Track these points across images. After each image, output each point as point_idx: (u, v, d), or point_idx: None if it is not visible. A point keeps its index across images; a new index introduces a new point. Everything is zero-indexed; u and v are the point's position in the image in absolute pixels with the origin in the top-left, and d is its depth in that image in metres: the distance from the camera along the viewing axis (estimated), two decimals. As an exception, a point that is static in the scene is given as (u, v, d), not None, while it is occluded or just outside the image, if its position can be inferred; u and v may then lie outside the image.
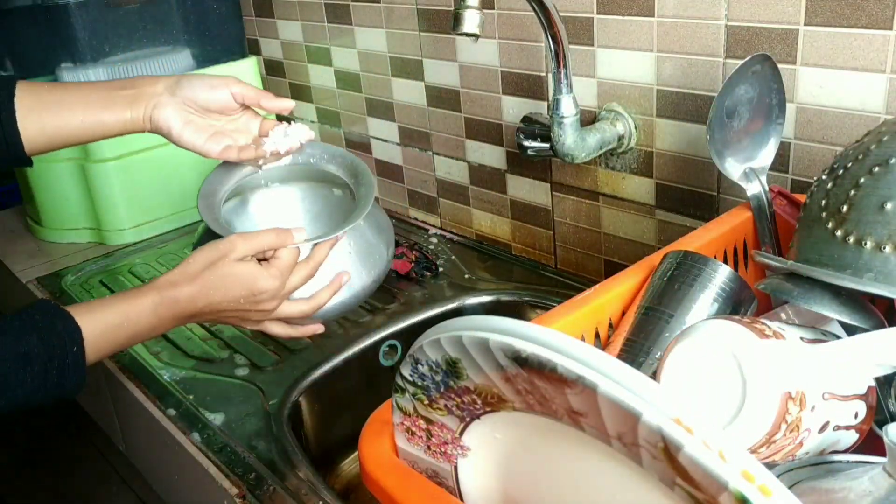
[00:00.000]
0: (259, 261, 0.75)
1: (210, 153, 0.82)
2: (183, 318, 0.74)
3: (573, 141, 0.91)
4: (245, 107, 0.84)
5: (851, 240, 0.55)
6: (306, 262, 0.78)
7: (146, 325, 0.71)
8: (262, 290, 0.74)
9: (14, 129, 0.78)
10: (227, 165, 0.86)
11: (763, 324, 0.51)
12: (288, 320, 0.80)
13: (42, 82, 0.85)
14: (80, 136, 0.81)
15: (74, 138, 0.81)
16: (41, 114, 0.79)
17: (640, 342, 0.62)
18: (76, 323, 0.68)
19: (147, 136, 1.36)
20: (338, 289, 0.80)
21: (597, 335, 0.65)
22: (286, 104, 0.84)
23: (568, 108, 0.90)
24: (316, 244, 0.78)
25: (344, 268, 0.81)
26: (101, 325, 0.69)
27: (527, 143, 1.01)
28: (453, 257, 1.22)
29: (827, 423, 0.51)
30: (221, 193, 0.86)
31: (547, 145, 0.95)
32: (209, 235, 0.81)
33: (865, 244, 0.54)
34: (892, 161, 0.55)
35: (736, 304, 0.63)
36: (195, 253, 0.75)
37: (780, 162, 0.83)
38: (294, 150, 0.85)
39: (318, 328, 0.83)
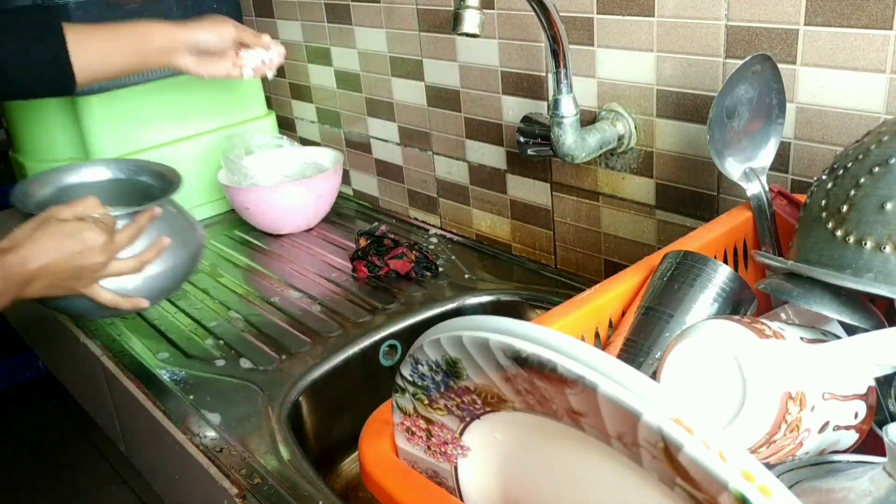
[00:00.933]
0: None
1: (201, 73, 1.03)
2: (18, 283, 0.79)
3: (573, 141, 0.92)
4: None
5: (851, 240, 0.55)
6: (131, 223, 0.90)
7: None
8: (90, 241, 0.83)
9: (65, 53, 0.93)
10: (52, 174, 1.08)
11: (763, 324, 0.51)
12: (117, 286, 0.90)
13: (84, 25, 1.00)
14: (121, 71, 0.99)
15: (116, 72, 0.99)
16: (87, 44, 0.95)
17: (640, 342, 0.62)
18: None
19: (146, 136, 1.36)
20: (161, 250, 0.93)
21: (597, 335, 0.65)
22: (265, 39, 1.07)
23: (568, 108, 0.90)
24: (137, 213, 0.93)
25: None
26: None
27: (527, 143, 1.01)
28: (453, 257, 1.22)
29: (827, 423, 0.51)
30: (39, 194, 1.04)
31: (547, 145, 0.95)
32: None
33: (865, 244, 0.54)
34: (892, 161, 0.55)
35: (736, 304, 0.63)
36: (22, 225, 0.83)
37: (780, 162, 0.83)
38: (275, 66, 1.09)
39: (144, 302, 0.94)
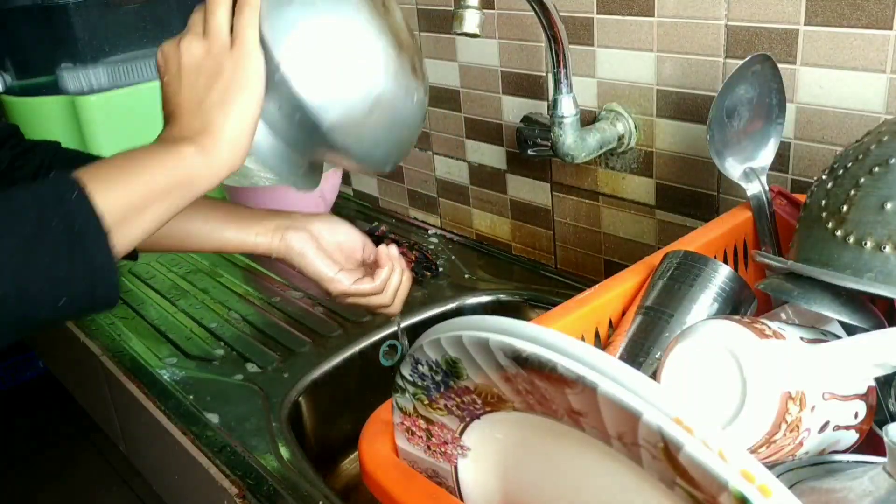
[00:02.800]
0: None
1: (342, 282, 0.77)
2: (189, 132, 0.58)
3: (573, 141, 0.91)
4: (361, 265, 0.82)
5: (851, 240, 0.55)
6: None
7: (153, 149, 0.57)
8: (188, 58, 0.60)
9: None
10: None
11: (763, 324, 0.51)
12: None
13: None
14: (197, 244, 0.77)
15: (189, 246, 0.78)
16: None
17: (640, 342, 0.62)
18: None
19: (146, 136, 1.36)
20: None
21: (597, 335, 0.65)
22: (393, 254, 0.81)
23: (568, 108, 0.90)
24: None
25: None
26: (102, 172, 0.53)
27: (527, 143, 1.01)
28: (453, 257, 1.22)
29: (827, 423, 0.51)
30: None
31: (547, 145, 0.95)
32: None
33: (865, 244, 0.54)
34: (892, 161, 0.55)
35: (736, 304, 0.63)
36: None
37: (780, 162, 0.83)
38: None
39: None
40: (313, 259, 0.77)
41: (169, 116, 0.61)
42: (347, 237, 0.82)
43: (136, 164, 0.55)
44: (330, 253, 0.80)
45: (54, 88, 1.32)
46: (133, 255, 0.76)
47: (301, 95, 0.60)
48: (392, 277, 0.79)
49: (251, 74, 0.60)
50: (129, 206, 0.53)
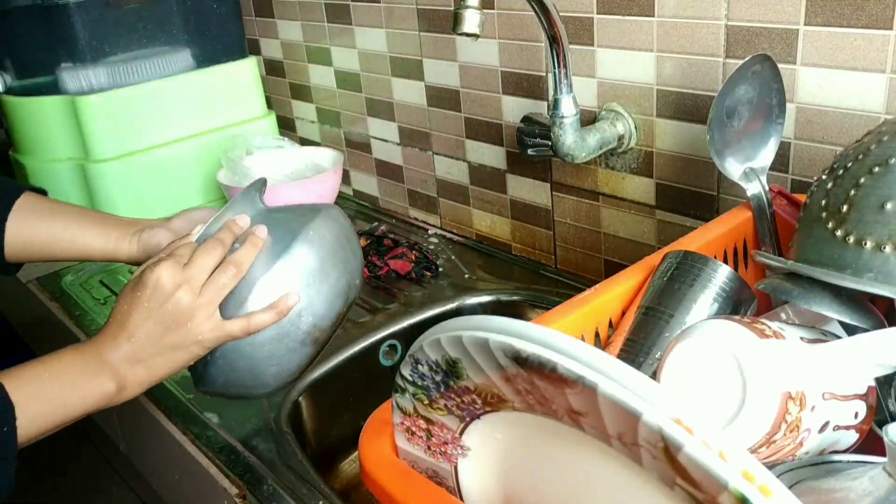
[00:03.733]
0: None
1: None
2: (118, 362, 0.65)
3: (573, 141, 0.91)
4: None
5: (851, 240, 0.55)
6: (209, 240, 0.69)
7: (78, 375, 0.64)
8: (152, 280, 0.65)
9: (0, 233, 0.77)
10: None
11: (763, 324, 0.51)
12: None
13: (48, 198, 0.83)
14: (59, 251, 0.80)
15: (55, 253, 0.81)
16: (29, 225, 0.79)
17: (640, 342, 0.62)
18: (4, 390, 0.61)
19: (146, 136, 1.36)
20: (256, 244, 0.69)
21: (597, 335, 0.65)
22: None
23: (568, 108, 0.90)
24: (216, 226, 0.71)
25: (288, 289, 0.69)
26: (22, 383, 0.63)
27: (527, 143, 1.01)
28: (453, 257, 1.22)
29: (827, 423, 0.51)
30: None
31: (547, 145, 0.95)
32: None
33: (865, 244, 0.54)
34: (892, 161, 0.55)
35: (736, 304, 0.63)
36: None
37: (780, 162, 0.83)
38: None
39: (291, 298, 0.69)
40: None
41: (116, 326, 0.67)
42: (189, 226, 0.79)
43: (63, 395, 0.63)
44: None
45: (54, 88, 1.32)
46: (10, 271, 0.82)
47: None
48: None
49: (209, 346, 0.69)
50: (43, 429, 0.64)
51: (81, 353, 0.65)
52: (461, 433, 0.47)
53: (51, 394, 0.63)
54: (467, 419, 0.46)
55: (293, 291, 0.69)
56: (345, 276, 0.73)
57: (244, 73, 1.49)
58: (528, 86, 1.07)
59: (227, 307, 0.69)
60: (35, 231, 0.79)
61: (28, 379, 0.63)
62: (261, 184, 0.77)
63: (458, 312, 1.08)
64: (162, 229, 0.78)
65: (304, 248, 0.70)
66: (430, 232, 1.33)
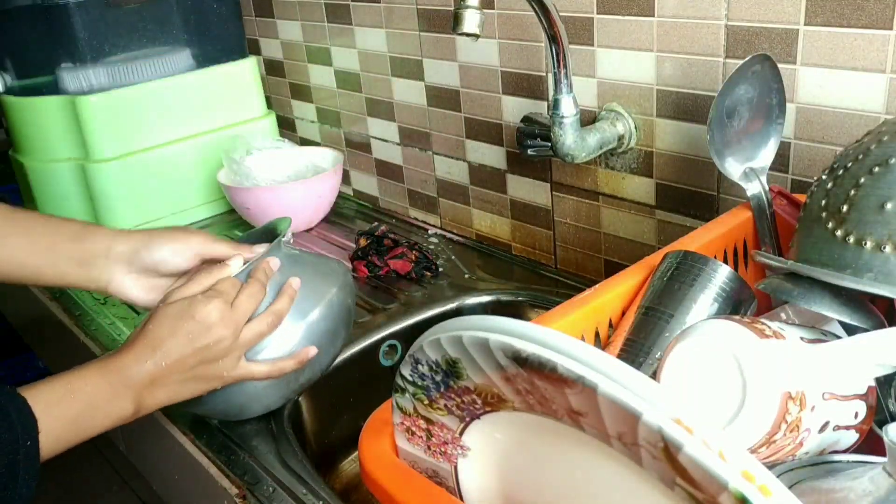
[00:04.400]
0: None
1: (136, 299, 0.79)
2: (141, 385, 0.67)
3: (573, 141, 0.91)
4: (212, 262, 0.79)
5: (851, 240, 0.55)
6: (249, 281, 0.74)
7: (100, 396, 0.65)
8: (202, 315, 0.68)
9: None
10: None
11: (763, 324, 0.51)
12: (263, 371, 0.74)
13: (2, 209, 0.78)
14: (21, 277, 0.76)
15: (14, 278, 0.76)
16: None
17: (640, 342, 0.62)
18: (29, 407, 0.60)
19: (146, 136, 1.36)
20: (293, 294, 0.76)
21: (597, 335, 0.65)
22: (259, 250, 0.80)
23: (568, 108, 0.90)
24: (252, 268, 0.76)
25: (313, 339, 0.78)
26: (45, 401, 0.62)
27: (527, 143, 1.01)
28: (453, 257, 1.22)
29: (827, 423, 0.51)
30: None
31: (547, 145, 0.95)
32: None
33: (865, 244, 0.54)
34: (892, 161, 0.55)
35: (736, 304, 0.63)
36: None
37: (780, 162, 0.83)
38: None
39: (312, 350, 0.77)
40: (146, 301, 0.78)
41: (147, 348, 0.67)
42: (173, 255, 0.78)
43: (85, 416, 0.64)
44: (149, 273, 0.78)
45: (54, 88, 1.32)
46: None
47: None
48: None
49: (229, 382, 0.73)
50: (64, 447, 0.64)
51: (105, 374, 0.66)
52: (461, 433, 0.47)
53: (74, 414, 0.64)
54: (467, 419, 0.46)
55: (313, 345, 0.78)
56: (345, 334, 0.85)
57: (244, 73, 1.49)
58: (528, 86, 1.07)
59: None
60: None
61: (52, 399, 0.63)
62: (287, 225, 0.85)
63: (458, 312, 1.08)
64: (128, 281, 0.77)
65: (325, 311, 0.80)
66: (430, 232, 1.33)
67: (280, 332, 0.76)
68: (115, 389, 0.66)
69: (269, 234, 0.89)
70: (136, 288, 0.78)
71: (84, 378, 0.65)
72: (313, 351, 0.77)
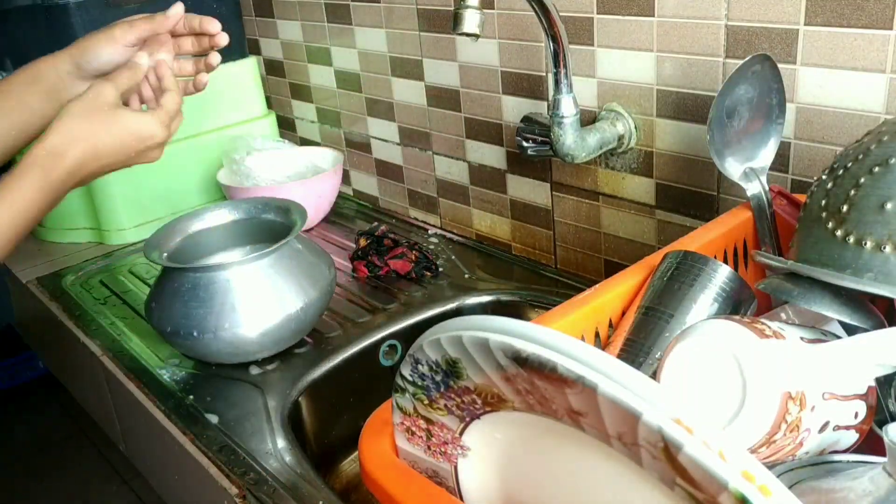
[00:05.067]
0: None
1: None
2: (73, 184, 0.72)
3: (573, 141, 0.91)
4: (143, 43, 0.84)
5: (851, 240, 0.55)
6: (170, 91, 0.80)
7: (35, 202, 0.68)
8: (151, 136, 0.75)
9: None
10: (178, 223, 1.05)
11: (763, 324, 0.51)
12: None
13: None
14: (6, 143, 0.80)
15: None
16: None
17: (640, 342, 0.62)
18: None
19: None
20: (200, 85, 0.86)
21: (597, 335, 0.65)
22: (211, 24, 0.83)
23: (568, 108, 0.90)
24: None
25: (287, 286, 0.94)
26: None
27: (527, 144, 1.01)
28: (453, 257, 1.22)
29: (827, 423, 0.51)
30: (168, 245, 1.02)
31: (547, 145, 0.95)
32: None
33: (865, 244, 0.54)
34: (892, 161, 0.55)
35: (736, 304, 0.63)
36: (66, 111, 0.72)
37: (780, 162, 0.83)
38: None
39: (213, 57, 0.84)
40: (70, 87, 0.81)
41: (90, 148, 0.71)
42: (110, 55, 0.83)
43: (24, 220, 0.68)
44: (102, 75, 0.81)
45: (54, 88, 1.32)
46: None
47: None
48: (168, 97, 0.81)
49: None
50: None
51: (44, 189, 0.69)
52: (461, 433, 0.47)
53: (16, 221, 0.67)
54: (467, 419, 0.46)
55: (274, 340, 0.96)
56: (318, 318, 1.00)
57: (244, 73, 1.49)
58: (528, 86, 1.07)
59: (231, 326, 0.92)
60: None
61: None
62: (302, 220, 1.00)
63: (458, 312, 1.08)
64: (107, 45, 0.82)
65: (304, 311, 0.96)
66: (430, 232, 1.33)
67: (279, 297, 0.92)
68: (55, 195, 0.70)
69: (279, 212, 1.04)
70: (76, 86, 0.81)
71: (23, 194, 0.68)
72: (215, 59, 0.85)
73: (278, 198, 1.08)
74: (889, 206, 0.54)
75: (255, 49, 1.60)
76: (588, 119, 0.99)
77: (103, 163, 0.72)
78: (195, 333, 0.92)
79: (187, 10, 0.86)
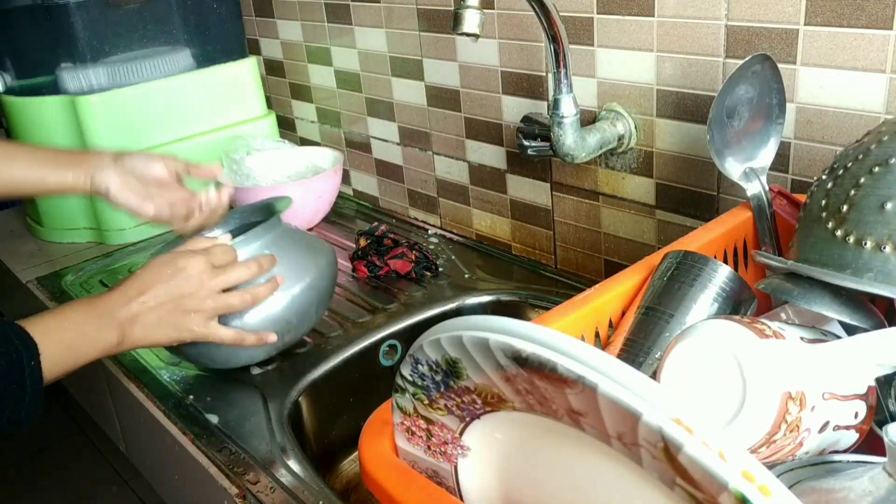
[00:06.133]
0: None
1: (145, 211, 0.88)
2: (124, 319, 0.76)
3: (573, 141, 0.91)
4: (180, 182, 0.92)
5: (851, 240, 0.55)
6: (251, 260, 0.85)
7: (89, 327, 0.74)
8: (182, 264, 0.79)
9: None
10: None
11: (763, 324, 0.51)
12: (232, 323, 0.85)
13: None
14: (19, 189, 0.88)
15: (14, 191, 0.88)
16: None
17: (640, 342, 0.62)
18: (28, 333, 0.70)
19: (146, 136, 1.36)
20: (274, 288, 0.87)
21: (597, 335, 0.65)
22: (212, 169, 0.96)
23: (568, 108, 0.90)
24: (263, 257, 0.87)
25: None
26: (42, 330, 0.72)
27: (527, 143, 1.01)
28: (453, 257, 1.22)
29: (827, 423, 0.51)
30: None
31: (547, 145, 0.95)
32: None
33: (865, 244, 0.54)
34: (892, 161, 0.55)
35: (736, 304, 0.63)
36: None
37: (780, 162, 0.83)
38: (220, 206, 0.93)
39: (271, 337, 0.88)
40: (115, 195, 0.87)
41: (133, 290, 0.77)
42: (162, 171, 0.91)
43: (77, 344, 0.74)
44: (142, 185, 0.89)
45: (54, 88, 1.32)
46: None
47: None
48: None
49: (194, 339, 0.82)
50: (61, 371, 0.73)
51: (93, 308, 0.75)
52: (461, 433, 0.47)
53: (68, 340, 0.73)
54: (467, 419, 0.46)
55: (277, 333, 0.89)
56: (324, 308, 0.97)
57: (244, 73, 1.49)
58: (528, 86, 1.07)
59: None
60: (2, 175, 0.86)
61: (48, 329, 0.72)
62: (286, 205, 0.99)
63: (458, 312, 1.08)
64: (112, 172, 0.87)
65: (306, 294, 0.92)
66: (430, 232, 1.33)
67: (260, 310, 0.87)
68: (101, 321, 0.75)
69: (264, 210, 1.00)
70: (115, 179, 0.87)
71: (75, 311, 0.75)
72: (272, 338, 0.88)
73: (258, 199, 1.07)
74: (889, 206, 0.54)
75: (255, 49, 1.60)
76: (588, 119, 0.99)
77: (148, 291, 0.78)
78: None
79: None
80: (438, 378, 0.44)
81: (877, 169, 0.56)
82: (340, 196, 1.45)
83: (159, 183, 0.90)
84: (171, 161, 0.92)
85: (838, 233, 0.56)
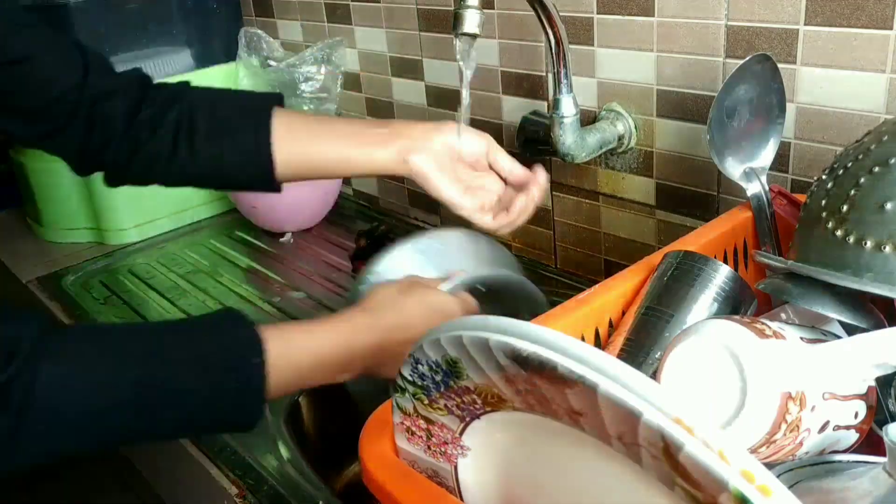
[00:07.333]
0: None
1: (464, 207, 0.79)
2: (372, 341, 0.69)
3: (573, 141, 0.91)
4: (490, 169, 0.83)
5: (851, 240, 0.55)
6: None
7: (329, 360, 0.68)
8: (451, 314, 0.72)
9: (269, 153, 0.78)
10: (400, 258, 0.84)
11: (763, 324, 0.51)
12: None
13: (296, 111, 0.84)
14: (326, 169, 0.81)
15: (321, 171, 0.81)
16: (291, 143, 0.79)
17: (640, 342, 0.62)
18: (258, 332, 0.64)
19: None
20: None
21: (597, 335, 0.65)
22: (541, 178, 0.81)
23: (568, 108, 0.90)
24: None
25: None
26: (283, 337, 0.66)
27: (527, 143, 1.01)
28: (453, 257, 1.21)
29: (827, 423, 0.51)
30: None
31: (547, 145, 0.95)
32: None
33: (865, 244, 0.54)
34: (892, 161, 0.55)
35: (736, 304, 0.63)
36: (377, 289, 0.74)
37: (780, 162, 0.83)
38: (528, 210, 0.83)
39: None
40: (437, 183, 0.78)
41: (398, 329, 0.70)
42: (470, 147, 0.81)
43: (311, 374, 0.68)
44: (453, 169, 0.80)
45: (54, 88, 1.32)
46: (277, 188, 0.82)
47: None
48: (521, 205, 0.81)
49: None
50: (283, 393, 0.68)
51: (337, 340, 0.69)
52: (461, 433, 0.47)
53: (305, 372, 0.68)
54: (467, 419, 0.46)
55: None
56: None
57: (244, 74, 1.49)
58: (528, 86, 1.07)
59: None
60: (307, 153, 0.80)
61: (289, 351, 0.67)
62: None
63: (458, 312, 1.08)
64: (426, 153, 0.78)
65: None
66: (430, 232, 1.32)
67: None
68: (344, 360, 0.69)
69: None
70: (431, 163, 0.78)
71: (321, 343, 0.68)
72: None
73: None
74: (889, 206, 0.54)
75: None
76: (588, 119, 0.99)
77: (408, 326, 0.70)
78: None
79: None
80: (438, 378, 0.44)
81: (877, 169, 0.56)
82: (341, 196, 1.45)
83: (475, 164, 0.81)
84: (493, 145, 0.82)
85: (838, 233, 0.56)
